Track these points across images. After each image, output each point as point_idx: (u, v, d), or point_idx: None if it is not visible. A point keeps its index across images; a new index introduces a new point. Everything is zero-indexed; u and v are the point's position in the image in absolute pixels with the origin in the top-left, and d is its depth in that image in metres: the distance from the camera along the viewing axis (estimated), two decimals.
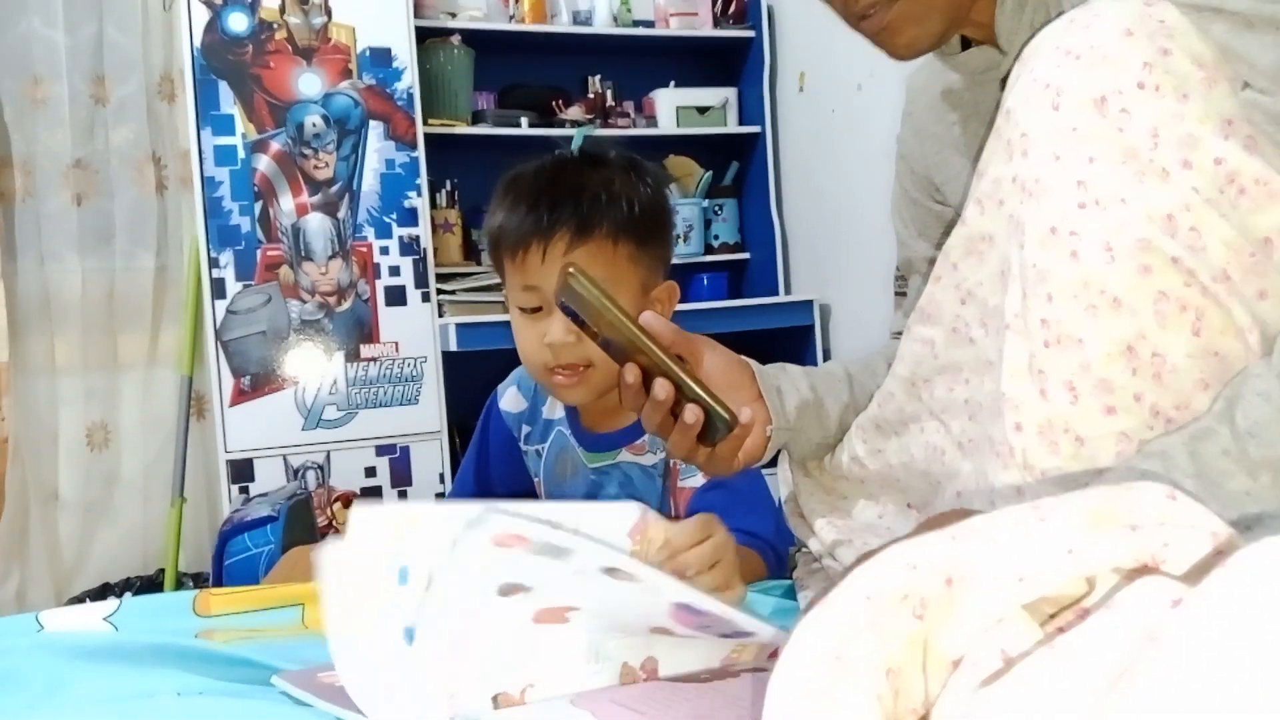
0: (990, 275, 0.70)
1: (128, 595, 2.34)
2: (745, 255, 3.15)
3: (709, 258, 3.08)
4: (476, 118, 2.81)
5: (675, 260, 3.00)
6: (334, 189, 2.52)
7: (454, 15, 2.78)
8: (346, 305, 2.53)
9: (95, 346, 2.72)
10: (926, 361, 0.78)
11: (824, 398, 0.88)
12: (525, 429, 1.24)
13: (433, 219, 2.65)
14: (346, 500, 2.50)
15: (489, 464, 1.27)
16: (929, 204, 1.01)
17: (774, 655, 0.44)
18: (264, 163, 2.47)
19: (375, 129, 2.55)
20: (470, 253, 2.80)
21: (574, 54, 3.02)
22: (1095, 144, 0.62)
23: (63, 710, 0.61)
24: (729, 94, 3.08)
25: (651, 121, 3.04)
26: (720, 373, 0.84)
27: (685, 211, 3.01)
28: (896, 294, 1.09)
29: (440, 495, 2.57)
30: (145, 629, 0.76)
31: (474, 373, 2.55)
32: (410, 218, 2.58)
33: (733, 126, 3.08)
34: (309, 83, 2.50)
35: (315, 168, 2.51)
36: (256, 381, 2.46)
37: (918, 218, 1.02)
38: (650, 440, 1.13)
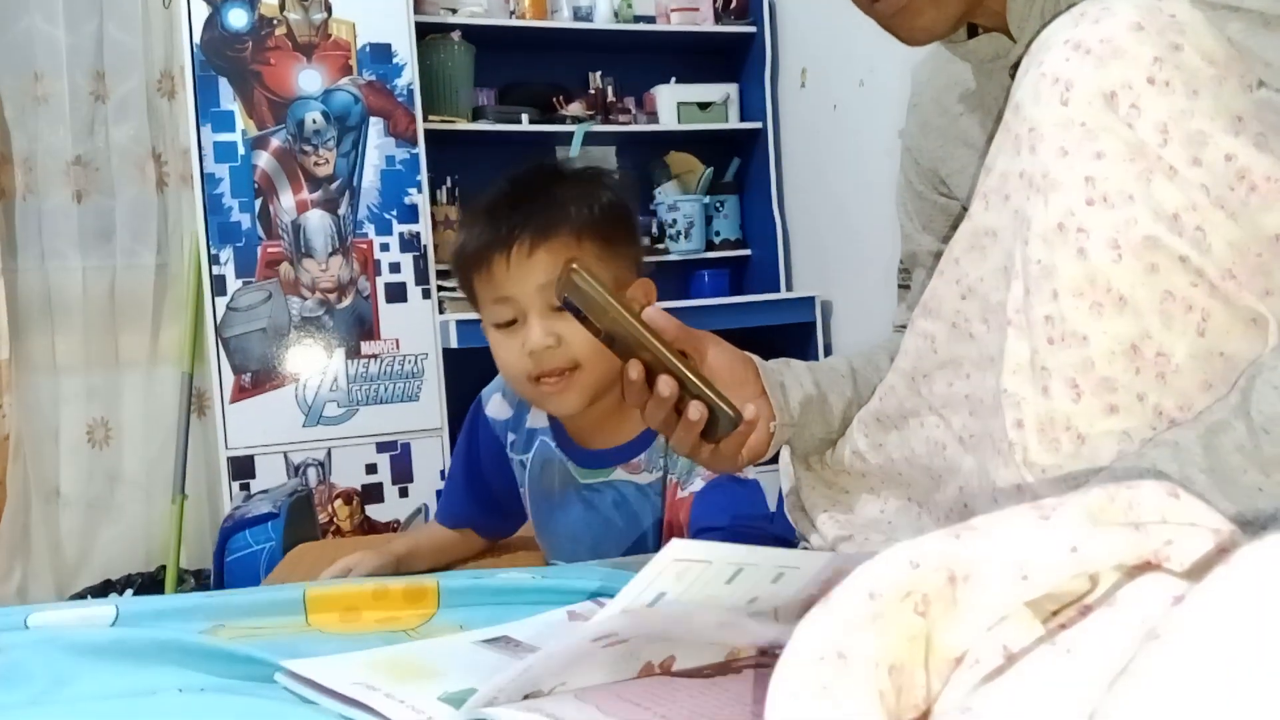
0: (992, 270, 0.70)
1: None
2: (746, 252, 3.15)
3: (710, 254, 3.08)
4: (477, 114, 2.80)
5: (676, 257, 3.03)
6: (334, 186, 2.52)
7: (454, 11, 2.78)
8: (347, 302, 2.53)
9: (96, 344, 2.72)
10: (927, 356, 0.78)
11: (827, 393, 0.88)
12: (511, 437, 1.22)
13: (433, 215, 2.65)
14: (347, 497, 2.50)
15: (481, 472, 1.24)
16: (934, 197, 1.01)
17: (774, 655, 0.44)
18: (264, 159, 2.47)
19: (375, 125, 2.55)
20: None
21: (575, 50, 3.01)
22: (1104, 140, 0.62)
23: (64, 707, 0.61)
24: (730, 90, 3.08)
25: (653, 118, 3.04)
26: (724, 368, 0.83)
27: (686, 208, 3.00)
28: (900, 287, 1.09)
29: (440, 493, 2.57)
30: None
31: (474, 369, 2.55)
32: (411, 214, 2.58)
33: (734, 122, 3.08)
34: (309, 79, 2.50)
35: (315, 164, 2.51)
36: (257, 378, 2.46)
37: (922, 211, 1.02)
38: (647, 458, 1.11)
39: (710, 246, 3.09)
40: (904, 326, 1.00)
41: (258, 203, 2.47)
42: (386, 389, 2.55)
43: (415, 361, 2.57)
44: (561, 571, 0.88)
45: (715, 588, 0.53)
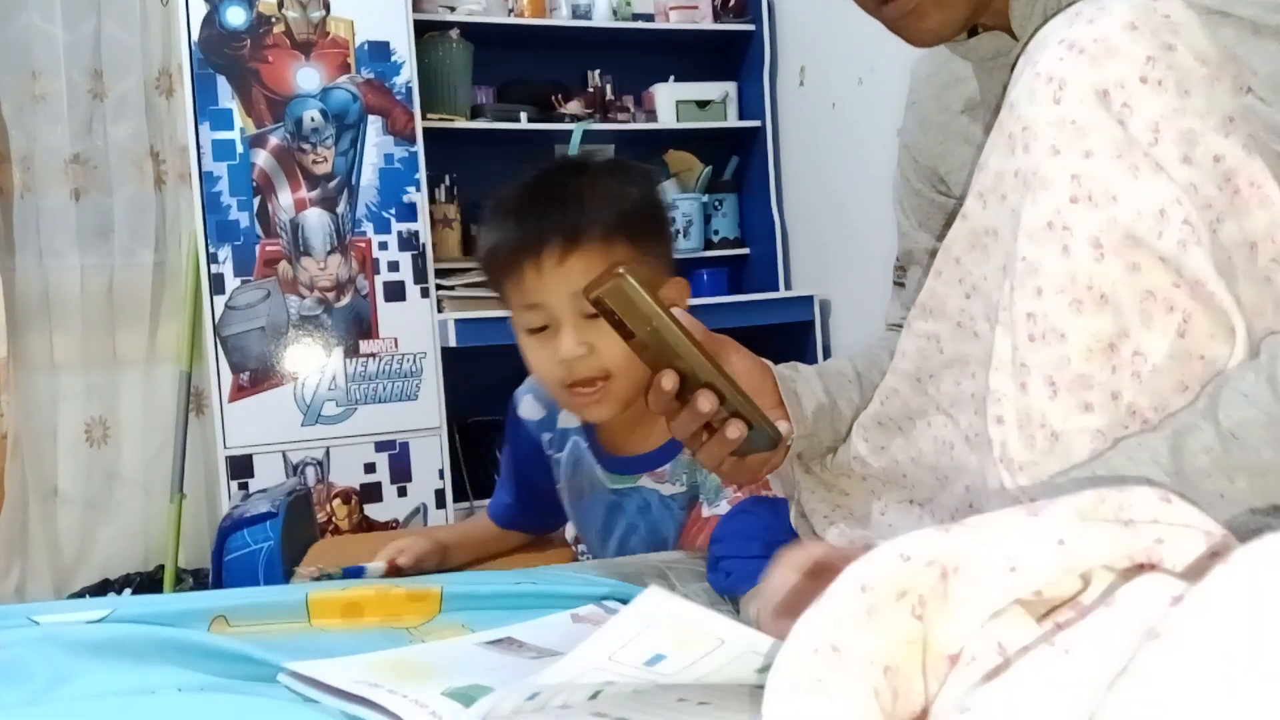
0: (994, 270, 0.70)
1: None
2: (745, 250, 3.15)
3: (709, 253, 3.07)
4: (475, 112, 2.80)
5: (674, 256, 3.01)
6: (333, 184, 2.52)
7: (453, 9, 2.77)
8: (345, 301, 2.53)
9: (94, 342, 2.72)
10: (932, 356, 0.77)
11: (837, 400, 0.87)
12: (546, 435, 1.22)
13: (432, 214, 2.65)
14: (346, 496, 2.50)
15: (524, 471, 1.25)
16: (932, 195, 1.00)
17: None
18: (262, 158, 2.47)
19: (374, 124, 2.54)
20: (469, 248, 2.80)
21: (573, 48, 3.01)
22: (1093, 138, 0.62)
23: (63, 705, 0.61)
24: (729, 88, 3.08)
25: (651, 116, 3.03)
26: (744, 377, 0.81)
27: (685, 206, 3.00)
28: (895, 284, 1.08)
29: (440, 491, 2.58)
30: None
31: (473, 368, 2.56)
32: (409, 213, 2.58)
33: (733, 121, 3.07)
34: (307, 77, 2.50)
35: (314, 163, 2.50)
36: (256, 377, 2.46)
37: (920, 209, 1.02)
38: (672, 469, 1.10)
39: (709, 245, 3.09)
40: (898, 325, 1.00)
41: (256, 201, 2.47)
42: (385, 388, 2.55)
43: (414, 360, 2.57)
44: (564, 577, 0.88)
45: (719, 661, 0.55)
